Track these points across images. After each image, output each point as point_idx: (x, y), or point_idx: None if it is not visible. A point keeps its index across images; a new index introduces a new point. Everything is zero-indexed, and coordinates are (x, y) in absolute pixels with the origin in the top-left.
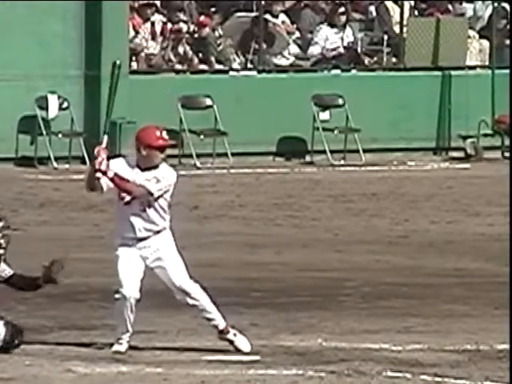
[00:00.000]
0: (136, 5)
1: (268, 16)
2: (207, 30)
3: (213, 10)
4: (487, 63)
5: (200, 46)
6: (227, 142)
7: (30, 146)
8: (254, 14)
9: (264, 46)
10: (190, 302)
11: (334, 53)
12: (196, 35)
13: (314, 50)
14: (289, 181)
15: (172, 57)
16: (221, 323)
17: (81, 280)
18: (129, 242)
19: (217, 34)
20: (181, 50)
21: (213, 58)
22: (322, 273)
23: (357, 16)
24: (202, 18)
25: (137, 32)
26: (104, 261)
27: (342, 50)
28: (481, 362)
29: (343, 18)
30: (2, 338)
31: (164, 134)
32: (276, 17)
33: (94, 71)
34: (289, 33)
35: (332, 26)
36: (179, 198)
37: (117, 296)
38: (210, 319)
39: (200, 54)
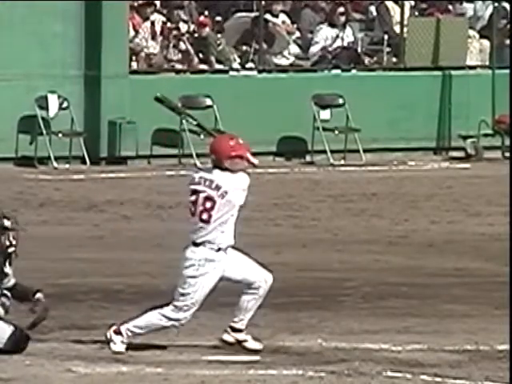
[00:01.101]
0: (135, 4)
1: (268, 16)
2: (207, 29)
3: (215, 15)
4: (487, 63)
5: (200, 46)
6: None
7: (29, 145)
8: (254, 14)
9: (264, 45)
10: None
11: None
12: (196, 35)
13: (314, 50)
14: (289, 181)
15: (173, 55)
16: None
17: (81, 280)
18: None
19: (219, 35)
20: (182, 47)
21: (213, 58)
22: (321, 273)
23: (357, 16)
24: (202, 17)
25: (137, 32)
26: (104, 261)
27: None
28: (481, 362)
29: (343, 18)
30: (5, 341)
31: (238, 141)
32: (276, 17)
33: (93, 71)
34: (289, 33)
35: (332, 25)
36: (179, 199)
37: (175, 324)
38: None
39: (200, 54)
